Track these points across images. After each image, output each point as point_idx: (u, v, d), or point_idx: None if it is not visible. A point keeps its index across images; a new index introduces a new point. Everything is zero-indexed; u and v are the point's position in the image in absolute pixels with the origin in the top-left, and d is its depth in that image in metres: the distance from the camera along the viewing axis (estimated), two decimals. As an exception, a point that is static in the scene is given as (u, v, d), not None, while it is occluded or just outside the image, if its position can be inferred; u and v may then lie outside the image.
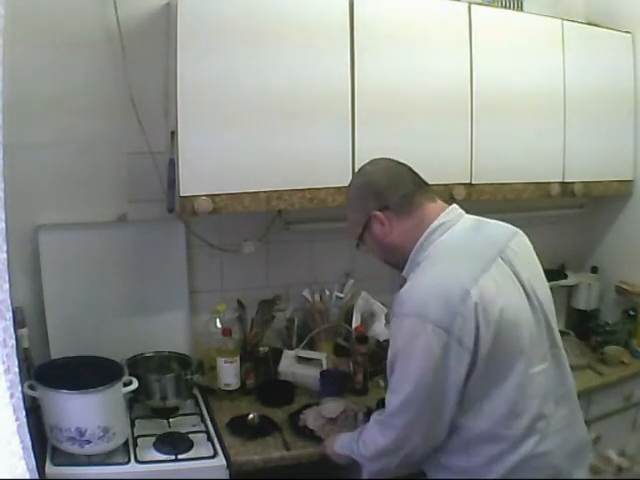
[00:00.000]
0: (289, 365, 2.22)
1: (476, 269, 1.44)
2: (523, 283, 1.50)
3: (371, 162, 1.65)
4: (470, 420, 1.44)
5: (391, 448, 1.51)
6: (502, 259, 1.50)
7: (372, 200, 1.56)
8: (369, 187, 1.59)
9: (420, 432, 1.46)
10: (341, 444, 1.70)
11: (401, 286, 1.50)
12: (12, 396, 1.04)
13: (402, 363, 1.45)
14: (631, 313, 2.61)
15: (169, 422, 1.93)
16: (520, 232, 1.62)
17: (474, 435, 1.45)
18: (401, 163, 1.61)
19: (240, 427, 1.89)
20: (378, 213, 1.55)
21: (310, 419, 1.91)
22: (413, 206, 1.54)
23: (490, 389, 1.43)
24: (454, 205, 1.59)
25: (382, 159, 1.64)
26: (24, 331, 1.90)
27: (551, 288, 1.62)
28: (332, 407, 1.93)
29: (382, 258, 1.65)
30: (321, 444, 1.81)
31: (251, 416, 1.92)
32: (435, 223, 1.52)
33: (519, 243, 1.59)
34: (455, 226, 1.53)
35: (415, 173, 1.60)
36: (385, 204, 1.55)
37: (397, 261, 1.59)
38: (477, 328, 1.38)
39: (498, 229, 1.61)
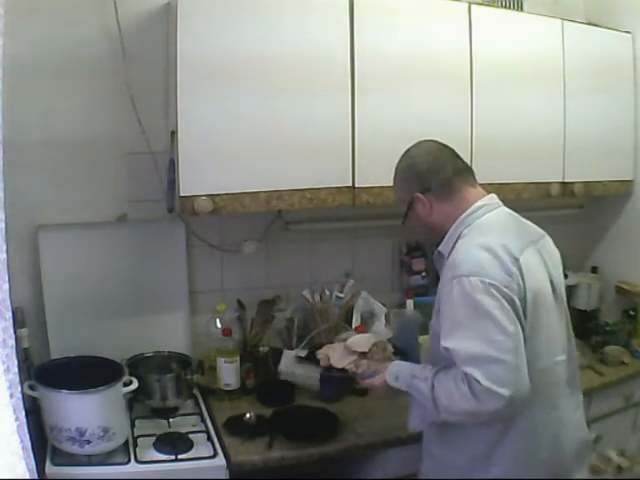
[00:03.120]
0: (289, 365, 2.22)
1: (519, 243, 1.54)
2: (551, 276, 1.59)
3: (416, 144, 1.70)
4: None
5: (494, 413, 1.44)
6: (536, 248, 1.59)
7: (415, 182, 1.64)
8: (412, 170, 1.66)
9: (523, 392, 1.41)
10: (396, 375, 1.63)
11: (437, 260, 1.65)
12: (12, 396, 1.04)
13: (479, 321, 1.43)
14: (631, 313, 2.61)
15: (169, 422, 1.93)
16: (547, 236, 1.70)
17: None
18: (445, 146, 1.67)
19: (237, 427, 1.89)
20: (420, 195, 1.62)
21: (336, 358, 1.81)
22: (453, 190, 1.61)
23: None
24: (493, 194, 1.67)
25: (427, 141, 1.70)
26: (24, 331, 1.91)
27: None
28: (361, 340, 1.83)
29: (425, 231, 1.77)
30: (362, 381, 1.75)
31: (247, 416, 1.92)
32: (478, 204, 1.60)
33: (548, 243, 1.68)
34: (495, 210, 1.62)
35: (458, 157, 1.67)
36: (427, 187, 1.62)
37: (438, 238, 1.66)
38: (525, 290, 1.47)
39: (531, 225, 1.69)
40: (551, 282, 1.58)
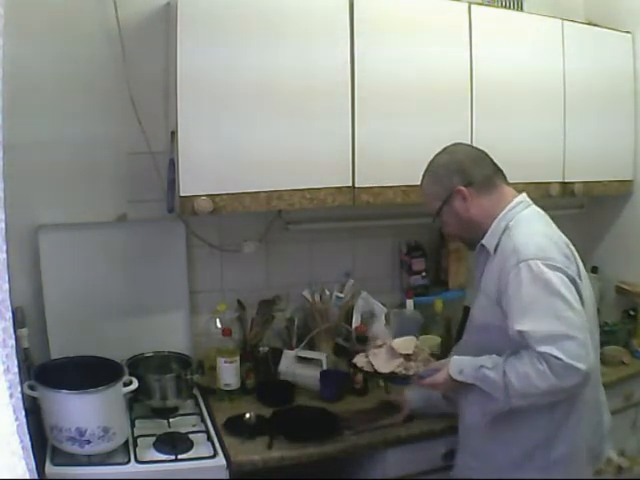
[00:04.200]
0: (289, 365, 2.22)
1: (564, 236, 1.65)
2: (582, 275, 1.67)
3: (453, 144, 1.79)
4: None
5: (571, 388, 1.50)
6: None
7: (457, 175, 1.69)
8: (455, 164, 1.71)
9: (593, 366, 1.50)
10: (460, 369, 1.62)
11: (479, 255, 1.70)
12: (12, 396, 1.04)
13: (549, 300, 1.50)
14: (631, 313, 2.61)
15: (169, 422, 1.93)
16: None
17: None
18: (479, 149, 1.77)
19: (237, 427, 1.89)
20: (462, 188, 1.68)
21: (380, 363, 1.82)
22: (493, 186, 1.70)
23: None
24: (524, 193, 1.74)
25: (462, 143, 1.83)
26: (24, 331, 1.90)
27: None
28: (405, 343, 1.85)
29: (455, 232, 1.79)
30: (420, 381, 1.75)
31: (247, 416, 1.92)
32: (517, 200, 1.69)
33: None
34: (530, 207, 1.70)
35: (492, 159, 1.75)
36: (469, 180, 1.68)
37: (469, 235, 1.74)
38: (579, 274, 1.58)
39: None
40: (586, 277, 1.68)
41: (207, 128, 1.90)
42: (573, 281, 1.53)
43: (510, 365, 1.53)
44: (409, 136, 2.14)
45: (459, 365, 1.64)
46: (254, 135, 1.95)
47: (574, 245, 1.69)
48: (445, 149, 1.77)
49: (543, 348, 1.46)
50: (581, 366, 1.44)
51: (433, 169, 1.76)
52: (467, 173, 1.69)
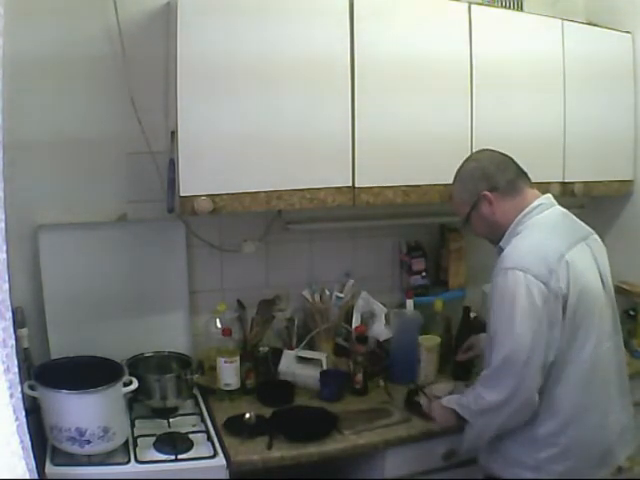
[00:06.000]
0: (289, 365, 2.22)
1: (568, 241, 1.70)
2: (600, 270, 1.75)
3: (479, 151, 1.94)
4: (548, 388, 1.62)
5: (497, 405, 1.62)
6: (586, 244, 1.75)
7: (483, 182, 1.79)
8: (480, 170, 1.81)
9: (529, 384, 1.59)
10: (448, 399, 1.83)
11: (498, 255, 1.75)
12: (12, 396, 1.04)
13: (507, 310, 1.61)
14: (631, 313, 2.61)
15: (169, 422, 1.93)
16: (595, 234, 1.84)
17: (545, 405, 1.62)
18: (504, 153, 1.84)
19: (237, 427, 1.89)
20: (487, 193, 1.78)
21: (423, 398, 1.98)
22: (516, 189, 1.78)
23: (568, 353, 1.62)
24: (549, 194, 1.82)
25: (488, 149, 1.89)
26: (24, 331, 1.90)
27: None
28: (442, 387, 2.06)
29: (484, 234, 1.88)
30: (427, 418, 1.91)
31: (247, 416, 1.92)
32: (534, 203, 1.76)
33: (596, 239, 1.83)
34: (550, 209, 1.77)
35: (516, 163, 1.82)
36: (494, 185, 1.78)
37: (495, 236, 1.81)
38: (568, 286, 1.61)
39: (581, 223, 1.84)
40: (600, 274, 1.74)
41: (207, 128, 1.89)
42: (546, 297, 1.59)
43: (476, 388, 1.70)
44: (410, 136, 2.14)
45: (447, 398, 1.84)
46: (254, 136, 1.95)
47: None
48: (471, 156, 1.91)
49: (492, 356, 1.64)
50: (506, 383, 1.59)
51: (460, 177, 1.86)
52: (492, 179, 1.78)
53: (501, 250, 1.75)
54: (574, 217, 1.83)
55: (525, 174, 1.82)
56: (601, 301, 1.71)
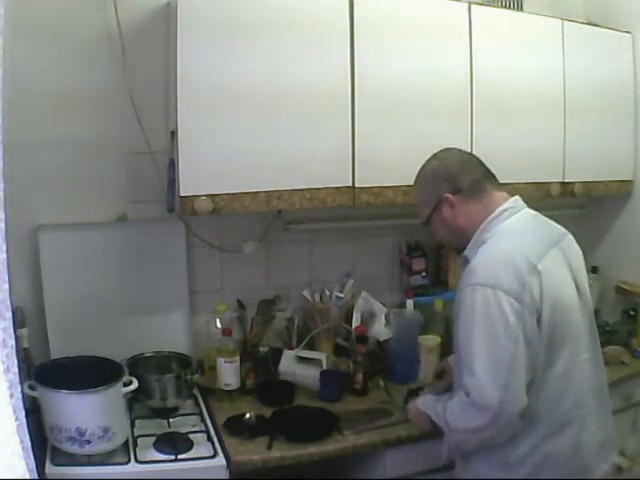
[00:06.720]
0: (289, 365, 2.22)
1: (540, 249, 1.55)
2: (574, 275, 1.61)
3: (444, 150, 1.74)
4: None
5: (474, 430, 1.50)
6: (559, 249, 1.61)
7: (445, 182, 1.65)
8: (443, 170, 1.67)
9: (511, 408, 1.45)
10: (424, 402, 1.72)
11: (463, 266, 1.61)
12: (12, 396, 1.04)
13: (478, 333, 1.47)
14: (631, 313, 2.61)
15: (169, 422, 1.93)
16: (570, 234, 1.72)
17: (521, 422, 1.49)
18: (470, 153, 1.74)
19: (236, 427, 1.89)
20: (449, 195, 1.63)
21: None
22: (482, 192, 1.64)
23: (544, 371, 1.50)
24: (517, 197, 1.68)
25: (453, 148, 1.74)
26: (24, 331, 1.90)
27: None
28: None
29: (445, 239, 1.75)
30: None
31: (247, 416, 1.92)
32: (502, 207, 1.61)
33: (570, 241, 1.71)
34: (518, 213, 1.63)
35: (483, 163, 1.69)
36: (457, 187, 1.64)
37: (459, 243, 1.67)
38: (541, 298, 1.47)
39: (553, 225, 1.72)
40: (574, 281, 1.60)
41: (207, 128, 1.89)
42: (519, 314, 1.45)
43: (451, 398, 1.57)
44: (409, 137, 2.14)
45: (423, 401, 1.73)
46: (255, 135, 1.95)
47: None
48: (434, 155, 1.73)
49: (465, 380, 1.48)
50: (489, 406, 1.43)
51: (422, 176, 1.73)
52: (455, 180, 1.64)
53: (467, 260, 1.60)
54: (545, 219, 1.70)
55: (493, 175, 1.68)
56: (576, 310, 1.58)
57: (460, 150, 1.74)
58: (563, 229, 1.72)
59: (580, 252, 1.72)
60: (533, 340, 1.47)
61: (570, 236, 1.72)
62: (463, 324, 1.52)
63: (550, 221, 1.71)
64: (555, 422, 1.52)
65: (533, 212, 1.68)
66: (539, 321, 1.48)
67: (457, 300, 1.59)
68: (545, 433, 1.52)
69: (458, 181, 1.63)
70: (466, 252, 1.63)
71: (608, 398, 1.67)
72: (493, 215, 1.60)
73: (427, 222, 1.71)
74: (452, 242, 1.73)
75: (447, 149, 1.74)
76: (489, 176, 1.67)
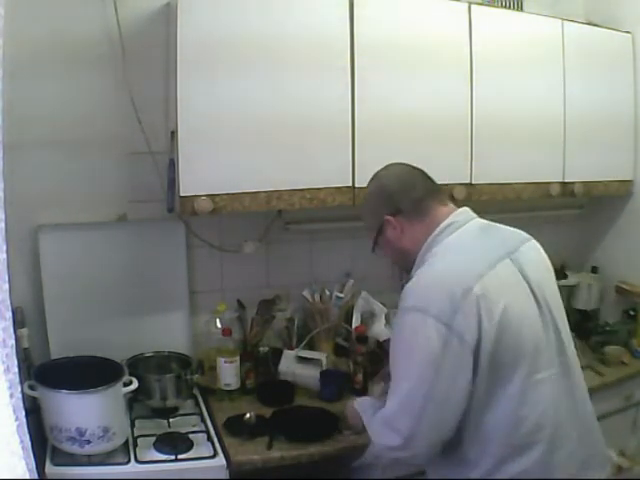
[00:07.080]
0: (289, 365, 2.22)
1: (481, 267, 1.43)
2: (532, 287, 1.48)
3: (386, 167, 1.66)
4: (472, 429, 1.42)
5: (396, 449, 1.45)
6: (511, 260, 1.49)
7: (385, 205, 1.58)
8: (382, 192, 1.61)
9: (424, 436, 1.40)
10: (361, 402, 1.71)
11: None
12: (12, 396, 1.04)
13: (402, 359, 1.44)
14: (631, 313, 2.61)
15: (169, 422, 1.93)
16: (533, 239, 1.61)
17: (474, 445, 1.42)
18: (414, 168, 1.62)
19: (237, 427, 1.89)
20: (390, 218, 1.57)
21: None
22: (424, 210, 1.56)
23: (493, 395, 1.40)
24: (465, 208, 1.59)
25: (396, 164, 1.65)
26: (24, 331, 1.91)
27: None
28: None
29: (395, 261, 1.68)
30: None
31: (247, 416, 1.91)
32: (443, 224, 1.53)
33: (531, 248, 1.58)
34: (463, 227, 1.53)
35: (428, 177, 1.61)
36: (397, 208, 1.56)
37: (406, 264, 1.60)
38: (479, 324, 1.36)
39: (509, 233, 1.60)
40: (532, 292, 1.48)
41: (207, 128, 1.89)
42: (449, 341, 1.35)
43: (380, 410, 1.52)
44: (409, 137, 2.14)
45: (362, 399, 1.74)
46: (255, 134, 1.95)
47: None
48: (376, 174, 1.65)
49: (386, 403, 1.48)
50: (395, 435, 1.41)
51: (366, 199, 1.67)
52: (394, 201, 1.56)
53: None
54: (499, 227, 1.59)
55: (438, 190, 1.59)
56: (533, 325, 1.44)
57: (403, 165, 1.64)
58: (524, 235, 1.60)
59: (543, 258, 1.60)
60: (463, 369, 1.37)
61: (532, 242, 1.59)
62: (392, 346, 1.49)
63: (506, 228, 1.60)
64: (513, 445, 1.40)
65: (484, 222, 1.59)
66: (478, 346, 1.37)
67: (393, 322, 1.56)
68: (502, 455, 1.41)
69: (397, 202, 1.56)
70: (412, 273, 1.55)
71: (591, 414, 1.53)
72: (435, 233, 1.52)
73: (375, 244, 1.64)
74: (400, 263, 1.66)
75: (388, 167, 1.65)
76: (433, 192, 1.58)
